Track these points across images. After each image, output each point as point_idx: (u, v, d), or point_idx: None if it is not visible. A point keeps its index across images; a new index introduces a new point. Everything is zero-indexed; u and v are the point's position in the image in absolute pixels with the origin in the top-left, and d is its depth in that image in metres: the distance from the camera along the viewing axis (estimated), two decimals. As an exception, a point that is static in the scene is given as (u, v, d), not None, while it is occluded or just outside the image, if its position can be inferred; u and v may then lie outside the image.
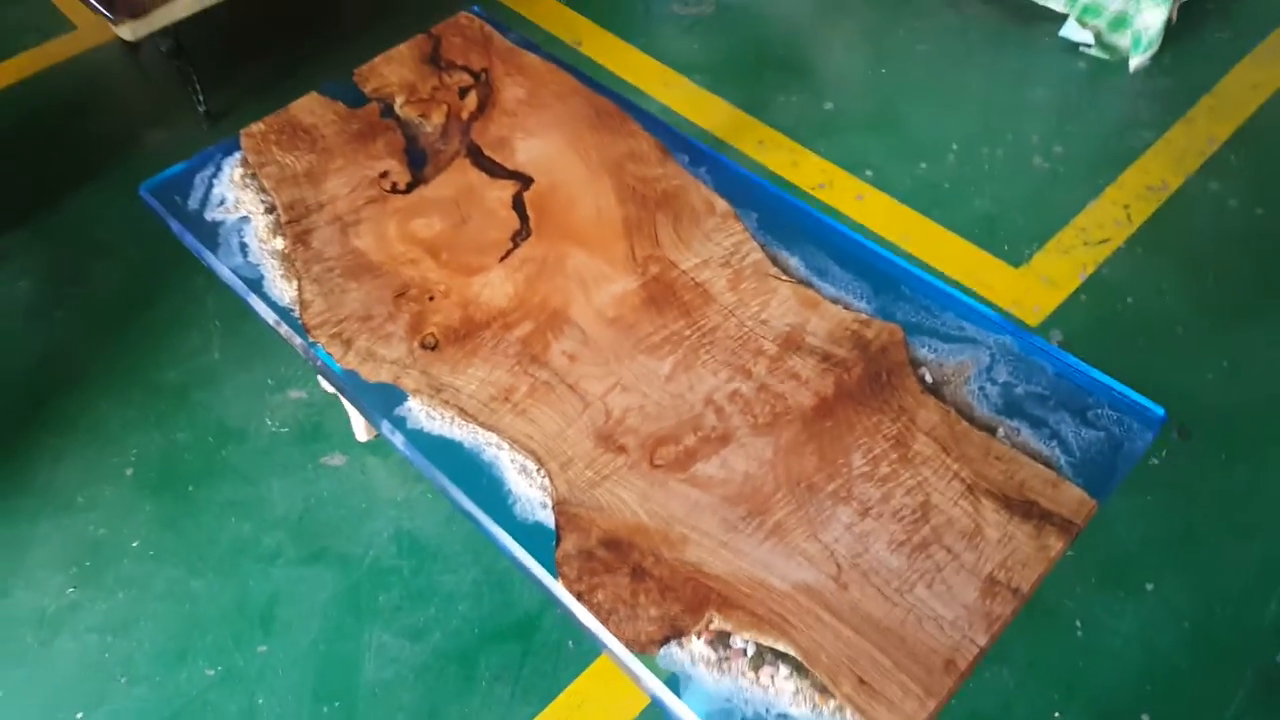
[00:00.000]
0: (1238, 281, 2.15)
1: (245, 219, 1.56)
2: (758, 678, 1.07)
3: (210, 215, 1.56)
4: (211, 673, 1.68)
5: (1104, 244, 2.24)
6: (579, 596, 1.14)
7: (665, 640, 1.10)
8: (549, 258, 1.49)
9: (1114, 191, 2.34)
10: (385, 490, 1.91)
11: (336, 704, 1.64)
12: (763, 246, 1.49)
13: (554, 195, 1.58)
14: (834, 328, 1.38)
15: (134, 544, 1.85)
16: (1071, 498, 1.20)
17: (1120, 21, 2.61)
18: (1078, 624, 1.68)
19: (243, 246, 1.52)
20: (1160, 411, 1.27)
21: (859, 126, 2.55)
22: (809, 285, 1.43)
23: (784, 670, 1.07)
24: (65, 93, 2.78)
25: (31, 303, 2.26)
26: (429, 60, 1.83)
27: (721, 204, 1.55)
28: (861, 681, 1.06)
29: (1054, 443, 1.25)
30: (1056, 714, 1.58)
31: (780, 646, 1.09)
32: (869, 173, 2.42)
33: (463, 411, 1.31)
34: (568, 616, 1.16)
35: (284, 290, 1.46)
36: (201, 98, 2.62)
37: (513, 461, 1.26)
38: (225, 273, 1.49)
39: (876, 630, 1.10)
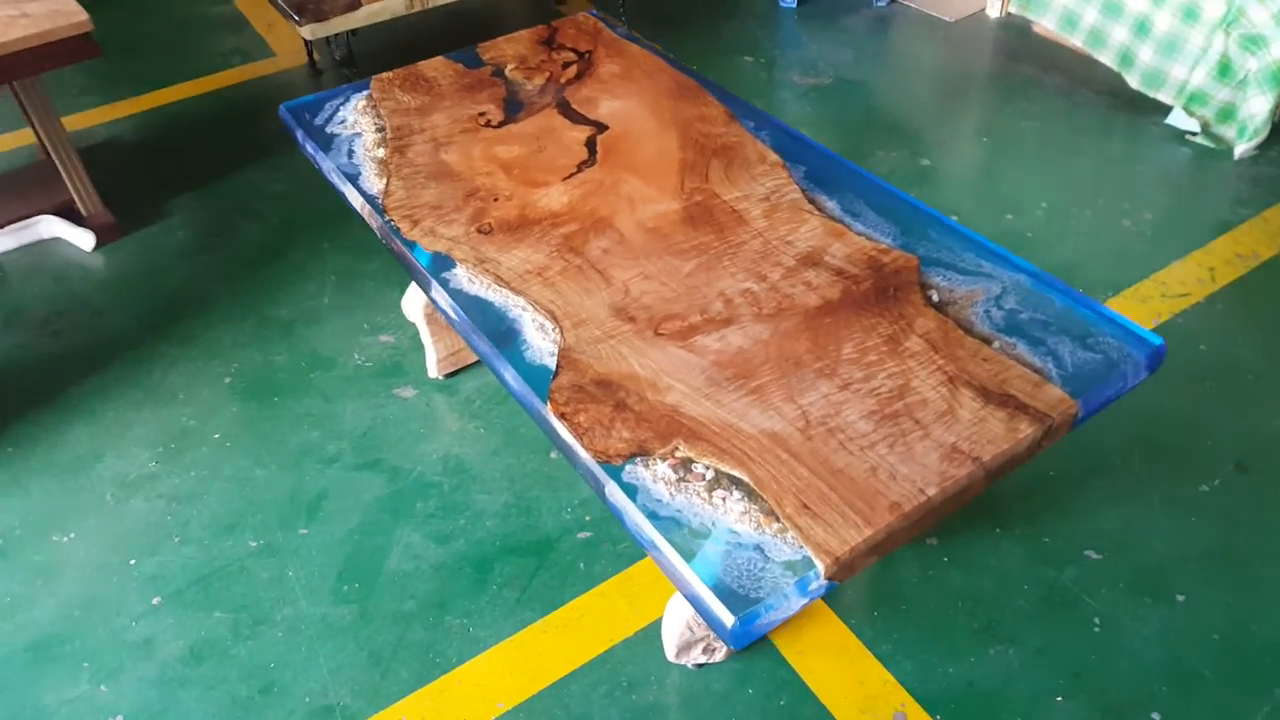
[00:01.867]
0: (1324, 347, 2.08)
1: (358, 134, 1.80)
2: (710, 498, 1.12)
3: (330, 129, 1.81)
4: (254, 544, 1.82)
5: (1183, 297, 2.22)
6: (562, 416, 1.23)
7: (631, 456, 1.17)
8: (606, 181, 1.65)
9: (1201, 255, 2.33)
10: (445, 421, 2.05)
11: (357, 585, 1.75)
12: (803, 190, 1.60)
13: (624, 139, 1.75)
14: (853, 252, 1.46)
15: (215, 435, 2.05)
16: (1052, 396, 1.22)
17: (1227, 113, 2.64)
18: (1096, 621, 1.61)
19: (350, 152, 1.75)
20: (1158, 341, 1.28)
21: (951, 180, 2.65)
22: (840, 221, 1.53)
23: (736, 494, 1.12)
24: (256, 99, 3.22)
25: (183, 247, 2.58)
26: (543, 42, 2.07)
27: (773, 156, 1.68)
28: (805, 506, 1.10)
29: (1048, 358, 1.27)
30: (1058, 698, 1.51)
31: (736, 473, 1.15)
32: (954, 217, 2.49)
33: (499, 279, 1.45)
34: (554, 439, 1.25)
35: (375, 184, 1.67)
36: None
37: (533, 320, 1.38)
38: (329, 166, 1.71)
39: (830, 472, 1.14)
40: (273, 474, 1.96)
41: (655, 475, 1.15)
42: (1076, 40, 2.98)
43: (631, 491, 1.13)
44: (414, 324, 2.18)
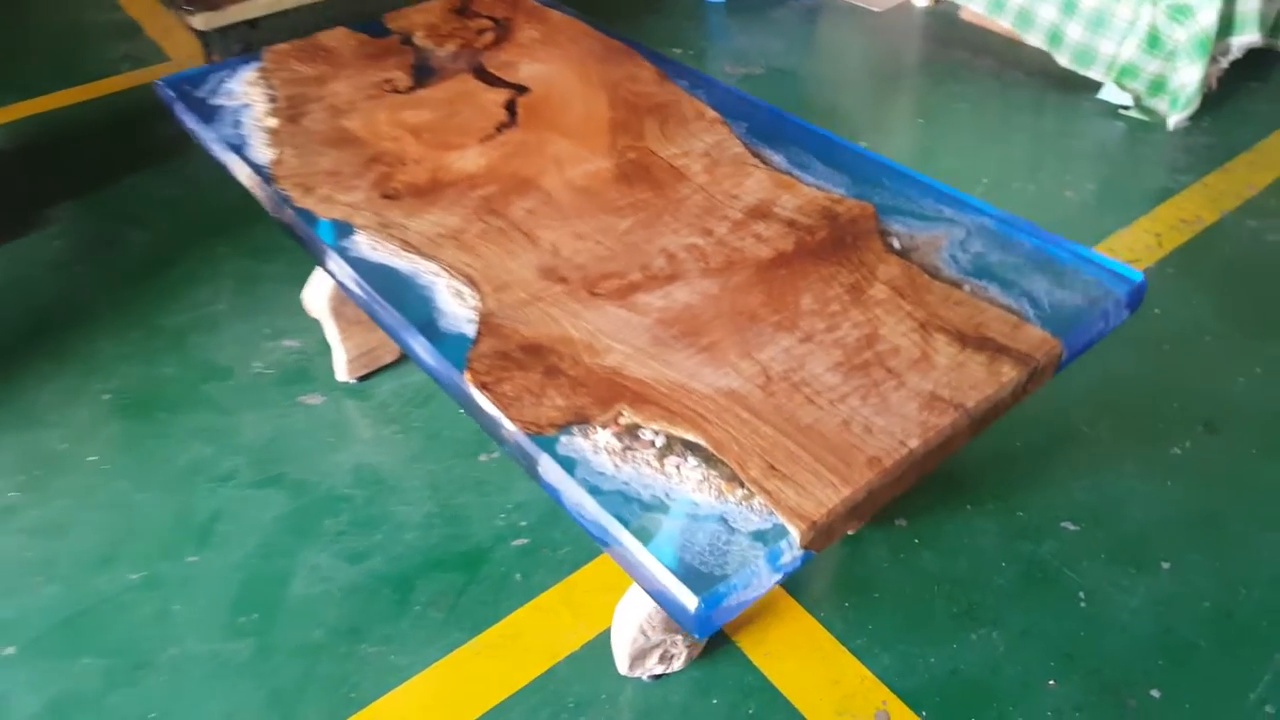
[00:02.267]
0: (1273, 302, 2.02)
1: (246, 105, 1.60)
2: (662, 466, 0.96)
3: (214, 101, 1.62)
4: (134, 578, 1.59)
5: (1132, 263, 2.14)
6: (483, 387, 1.05)
7: (567, 426, 1.00)
8: (529, 142, 1.48)
9: (1146, 222, 2.26)
10: (357, 429, 1.85)
11: (255, 615, 1.53)
12: (747, 145, 1.46)
13: (547, 100, 1.59)
14: (804, 203, 1.33)
15: (91, 458, 1.81)
16: (1033, 336, 1.09)
17: (1158, 85, 2.60)
18: (1081, 595, 1.48)
19: (236, 123, 1.56)
20: (1138, 276, 1.16)
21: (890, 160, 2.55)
22: (788, 174, 1.39)
23: (692, 461, 0.96)
24: (147, 104, 2.98)
25: (58, 258, 2.33)
26: (456, 11, 1.91)
27: (711, 113, 1.54)
28: (772, 468, 0.94)
29: (1023, 299, 1.15)
30: (1051, 682, 1.37)
31: (691, 437, 0.98)
32: (892, 197, 2.39)
33: (406, 244, 1.27)
34: (477, 416, 1.08)
35: (264, 154, 1.48)
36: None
37: (448, 287, 1.21)
38: (211, 137, 1.52)
39: (798, 429, 0.99)
40: (157, 497, 1.73)
41: (596, 445, 0.98)
42: (1005, 22, 2.93)
43: (569, 465, 0.96)
44: (319, 320, 1.98)
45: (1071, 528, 1.59)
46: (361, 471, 1.76)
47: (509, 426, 1.01)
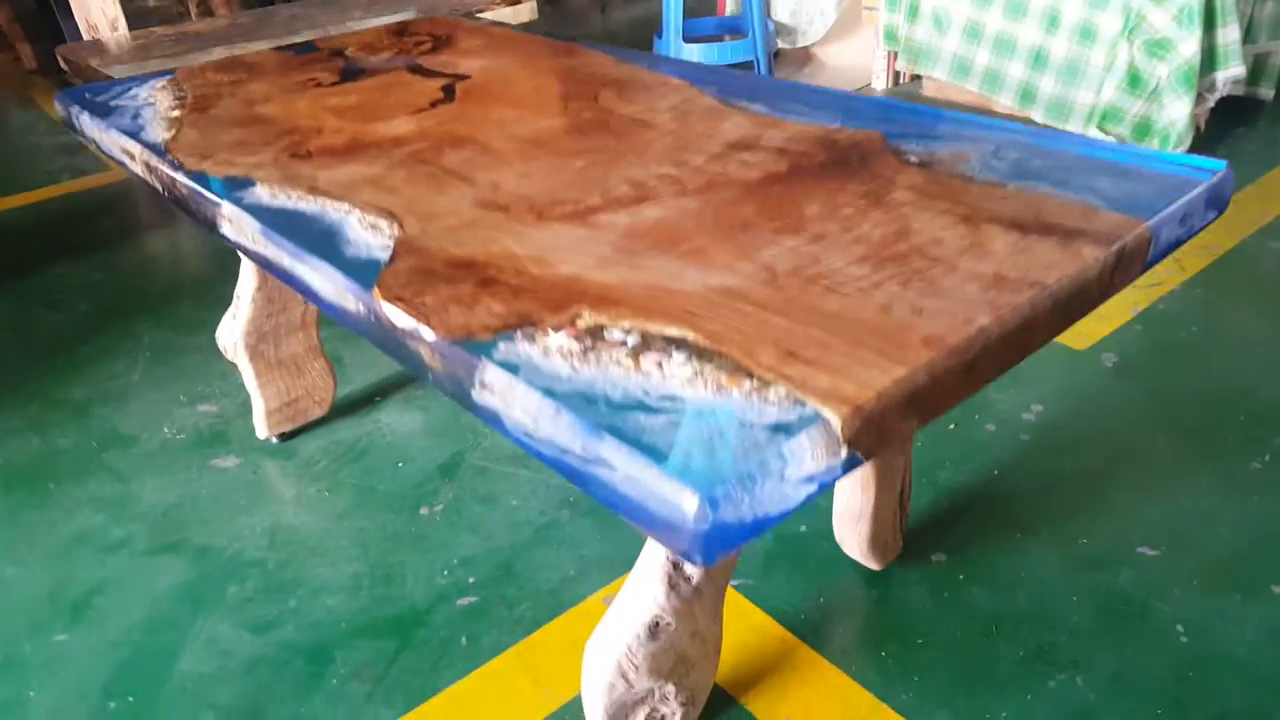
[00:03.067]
0: (1325, 321, 1.81)
1: (150, 104, 1.40)
2: (638, 364, 0.69)
3: (116, 104, 1.41)
4: (-13, 664, 1.26)
5: (1155, 286, 1.93)
6: (396, 300, 0.79)
7: (506, 330, 0.74)
8: (468, 112, 1.28)
9: (1161, 250, 2.08)
10: (275, 488, 1.55)
11: (130, 698, 1.19)
12: (720, 100, 1.26)
13: (489, 83, 1.40)
14: (794, 134, 1.11)
15: (-42, 536, 1.50)
16: (1111, 219, 0.85)
17: (1144, 127, 2.48)
18: (1179, 629, 1.18)
19: (136, 115, 1.34)
20: (1220, 165, 0.93)
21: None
22: (771, 117, 1.18)
23: (679, 357, 0.69)
24: (80, 207, 2.81)
25: (-40, 339, 2.07)
26: (394, 33, 1.75)
27: (676, 80, 1.35)
28: (791, 354, 0.68)
29: (1086, 192, 0.91)
30: (1159, 731, 1.05)
31: (676, 332, 0.72)
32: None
33: (314, 189, 1.03)
34: (392, 351, 0.81)
35: (161, 135, 1.25)
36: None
37: (361, 220, 0.96)
38: (101, 127, 1.30)
39: (823, 316, 0.72)
40: (29, 571, 1.41)
41: (547, 349, 0.71)
42: (971, 87, 2.85)
43: (512, 370, 0.69)
44: (235, 364, 1.71)
45: (1150, 553, 1.30)
46: (277, 533, 1.45)
47: (429, 336, 0.74)
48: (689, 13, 4.18)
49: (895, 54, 3.17)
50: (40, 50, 4.37)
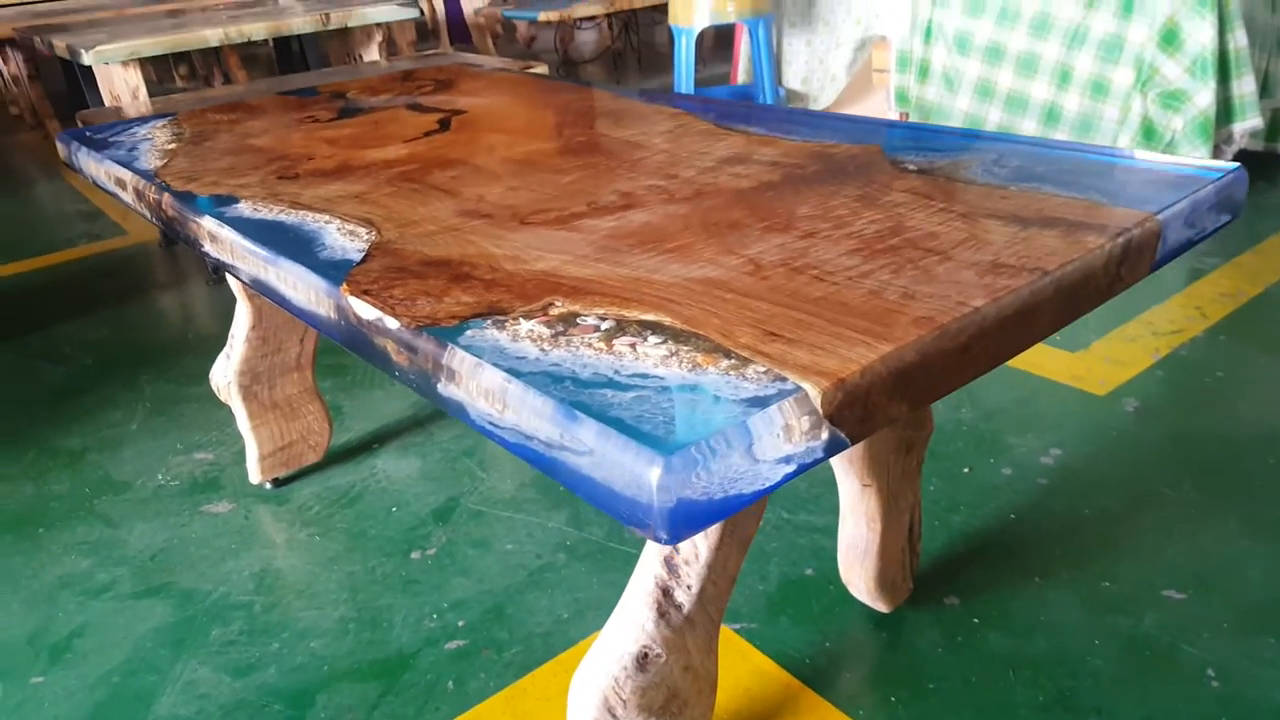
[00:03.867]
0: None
1: (149, 140, 1.40)
2: (610, 347, 0.65)
3: (114, 139, 1.41)
4: (-46, 710, 1.20)
5: (1177, 333, 1.87)
6: (363, 294, 0.76)
7: (475, 318, 0.70)
8: (461, 140, 1.26)
9: (1181, 299, 2.02)
10: (266, 533, 1.50)
11: (98, 745, 1.13)
12: (716, 124, 1.24)
13: (485, 115, 1.39)
14: (789, 150, 1.08)
15: (-61, 580, 1.45)
16: (1117, 213, 0.81)
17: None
18: (1210, 674, 1.09)
19: (133, 149, 1.34)
20: (1234, 165, 0.89)
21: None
22: (767, 136, 1.16)
23: (653, 339, 0.65)
24: (96, 268, 2.84)
25: (-37, 390, 2.06)
26: (397, 78, 1.76)
27: (671, 109, 1.34)
28: (771, 334, 0.63)
29: (1091, 192, 0.87)
30: (1196, 781, 0.96)
31: (653, 317, 0.68)
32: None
33: (296, 204, 1.02)
34: (359, 347, 0.77)
35: (154, 163, 1.25)
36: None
37: (340, 229, 0.94)
38: (95, 158, 1.30)
39: (807, 301, 0.68)
40: (9, 614, 1.37)
41: (516, 334, 0.67)
42: (985, 144, 2.84)
43: (477, 353, 0.65)
44: (228, 406, 1.67)
45: (1177, 596, 1.22)
46: (265, 577, 1.40)
47: (392, 326, 0.70)
48: (700, 82, 4.24)
49: (907, 115, 3.18)
50: (68, 127, 4.48)
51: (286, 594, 1.36)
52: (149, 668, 1.24)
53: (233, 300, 2.45)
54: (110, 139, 1.41)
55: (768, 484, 0.55)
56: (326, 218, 0.96)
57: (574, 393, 0.59)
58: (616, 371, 0.62)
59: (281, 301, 0.88)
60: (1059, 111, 2.60)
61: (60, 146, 1.47)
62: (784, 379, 0.58)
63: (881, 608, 1.22)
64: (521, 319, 0.70)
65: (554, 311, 0.70)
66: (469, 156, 1.17)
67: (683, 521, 0.52)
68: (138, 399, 1.99)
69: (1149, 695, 1.08)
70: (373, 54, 3.39)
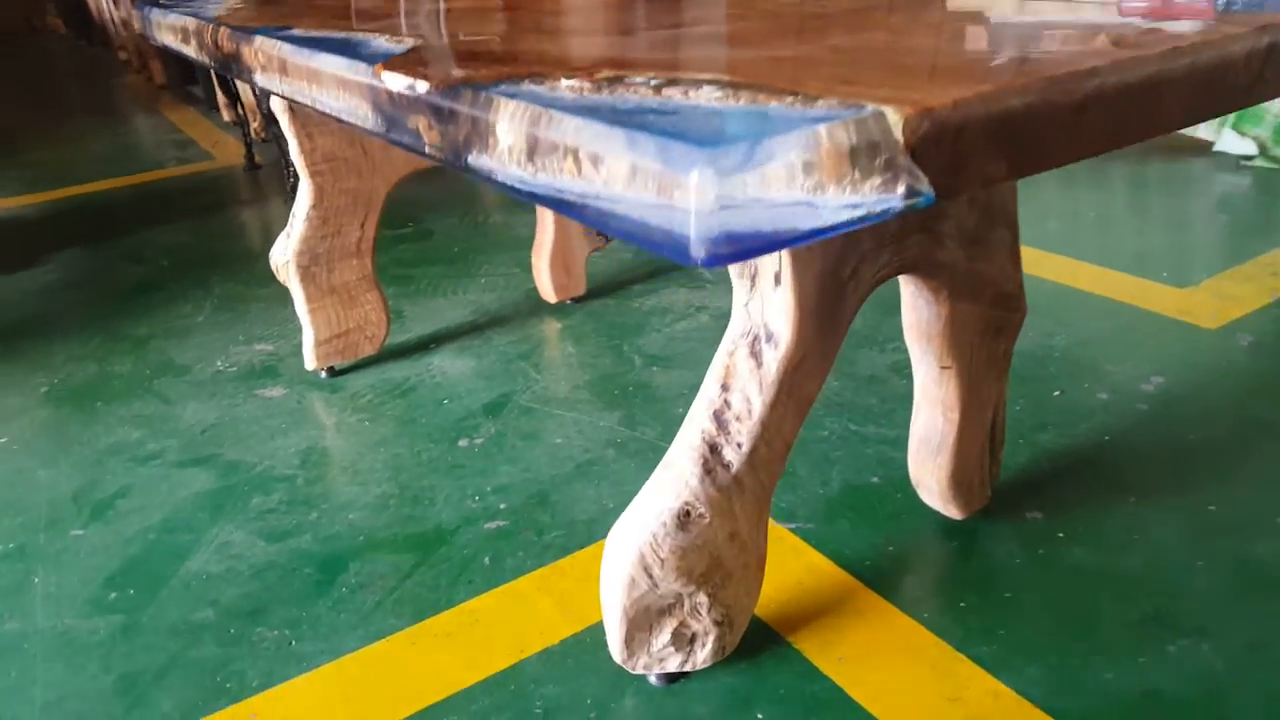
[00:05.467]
0: None
1: (218, 2, 1.37)
2: (659, 93, 0.57)
3: (188, 6, 1.39)
4: (-1, 551, 1.20)
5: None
6: (394, 69, 0.69)
7: (513, 77, 0.63)
8: (532, -6, 1.20)
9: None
10: (316, 415, 1.47)
11: (131, 591, 1.10)
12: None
13: (561, -17, 1.32)
14: (882, -5, 0.98)
15: (1, 440, 1.46)
16: (1257, 17, 0.69)
17: (1289, 130, 2.26)
18: (1331, 599, 0.96)
19: (201, 9, 1.31)
20: None
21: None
22: (855, -10, 1.06)
23: (708, 89, 0.57)
24: (182, 188, 2.87)
25: (47, 286, 2.10)
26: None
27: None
28: (845, 80, 0.55)
29: (1227, 8, 0.76)
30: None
31: (708, 76, 0.60)
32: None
33: (349, 30, 0.96)
34: (390, 133, 0.71)
35: (217, 11, 1.22)
36: (291, 171, 2.61)
37: (390, 39, 0.88)
38: (163, 15, 1.27)
39: (890, 63, 0.59)
40: (60, 473, 1.36)
41: (555, 87, 0.60)
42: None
43: (510, 96, 0.58)
44: (287, 287, 1.65)
45: None
46: (311, 455, 1.36)
47: (422, 88, 0.64)
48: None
49: None
50: (168, 68, 4.59)
51: (330, 470, 1.32)
52: (185, 528, 1.22)
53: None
54: (182, 3, 1.39)
55: (824, 223, 0.47)
56: (376, 33, 0.90)
57: (613, 117, 0.51)
58: (661, 106, 0.54)
59: (322, 105, 0.83)
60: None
61: (136, 16, 1.46)
62: (860, 106, 0.49)
63: (954, 513, 1.12)
64: (563, 78, 0.62)
65: (599, 75, 0.63)
66: (534, 1, 1.10)
67: (724, 238, 0.44)
68: (206, 296, 1.99)
69: (1258, 619, 0.96)
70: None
